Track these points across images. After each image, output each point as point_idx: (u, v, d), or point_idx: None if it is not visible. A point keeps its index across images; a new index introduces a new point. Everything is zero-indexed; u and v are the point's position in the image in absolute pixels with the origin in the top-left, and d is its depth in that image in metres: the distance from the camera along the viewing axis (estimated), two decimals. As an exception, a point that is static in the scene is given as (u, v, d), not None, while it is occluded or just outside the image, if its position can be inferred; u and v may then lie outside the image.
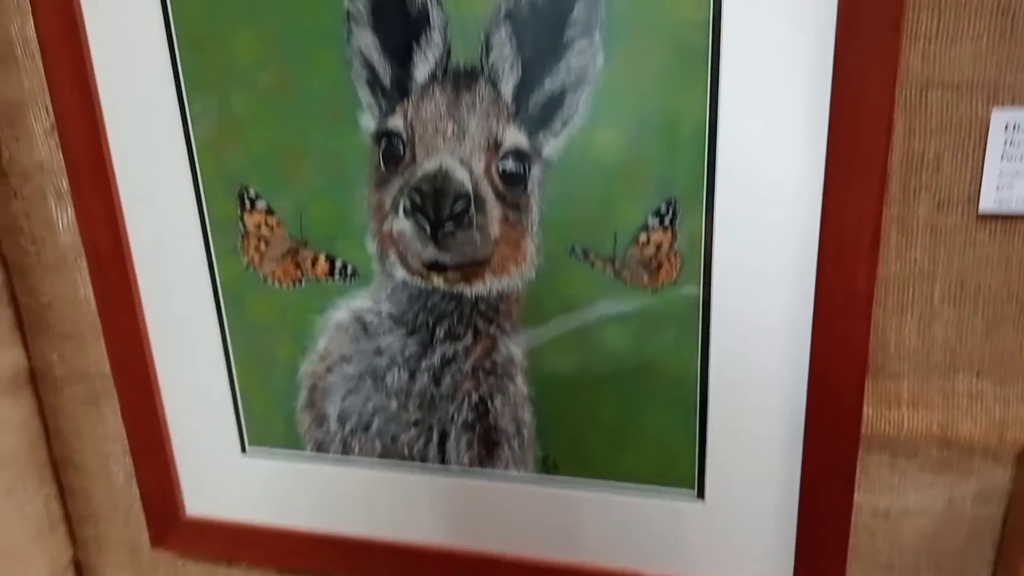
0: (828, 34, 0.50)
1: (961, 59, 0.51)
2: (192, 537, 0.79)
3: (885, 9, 0.48)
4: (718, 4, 0.51)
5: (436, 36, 0.56)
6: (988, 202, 0.53)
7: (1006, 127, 0.51)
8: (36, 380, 0.78)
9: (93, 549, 0.85)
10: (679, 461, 0.63)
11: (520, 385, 0.65)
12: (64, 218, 0.71)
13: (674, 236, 0.58)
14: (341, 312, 0.67)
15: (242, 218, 0.66)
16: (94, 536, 0.84)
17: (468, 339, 0.65)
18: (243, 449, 0.74)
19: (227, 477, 0.75)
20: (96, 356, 0.75)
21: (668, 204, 0.57)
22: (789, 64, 0.51)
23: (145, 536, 0.80)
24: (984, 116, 0.52)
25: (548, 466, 0.67)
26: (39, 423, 0.80)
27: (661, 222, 0.58)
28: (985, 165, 0.53)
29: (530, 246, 0.60)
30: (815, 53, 0.50)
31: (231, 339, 0.70)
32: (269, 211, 0.65)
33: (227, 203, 0.65)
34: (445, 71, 0.57)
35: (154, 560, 0.83)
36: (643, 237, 0.58)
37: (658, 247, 0.58)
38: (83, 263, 0.71)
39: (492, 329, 0.64)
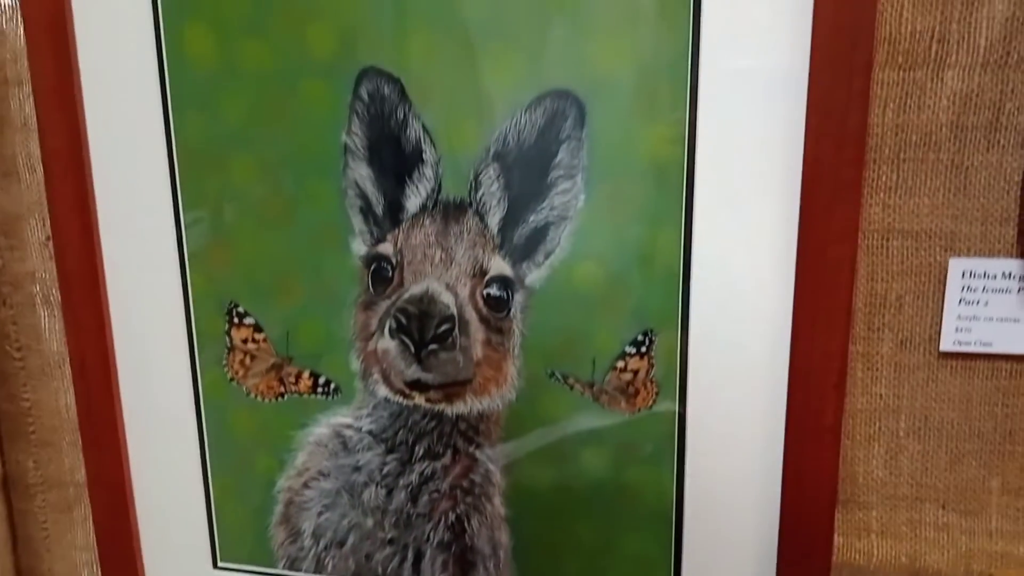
0: (795, 184, 0.53)
1: (919, 210, 0.55)
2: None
3: (847, 165, 0.52)
4: (692, 153, 0.55)
5: (428, 171, 0.59)
6: (948, 343, 0.56)
7: (963, 274, 0.55)
8: (8, 486, 0.78)
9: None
10: None
11: (497, 505, 0.66)
12: (51, 326, 0.72)
13: (651, 364, 0.60)
14: (321, 428, 0.68)
15: (229, 333, 0.67)
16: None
17: (447, 458, 0.66)
18: (215, 564, 0.73)
19: (197, 592, 0.74)
20: (72, 464, 0.75)
21: (645, 333, 0.59)
22: (758, 210, 0.55)
23: (108, 651, 0.78)
24: (942, 263, 0.55)
25: (524, 588, 0.67)
26: (7, 530, 0.78)
27: (638, 350, 0.60)
28: (944, 308, 0.56)
29: (511, 368, 0.62)
30: (783, 201, 0.54)
31: (210, 451, 0.70)
32: (257, 328, 0.66)
33: (215, 318, 0.67)
34: (435, 203, 0.60)
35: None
36: (621, 364, 0.60)
37: (635, 374, 0.60)
38: (66, 371, 0.72)
39: (471, 448, 0.65)
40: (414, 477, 0.67)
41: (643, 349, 0.60)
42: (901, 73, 0.53)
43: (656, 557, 0.63)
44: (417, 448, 0.66)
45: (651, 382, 0.60)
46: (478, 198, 0.59)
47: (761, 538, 0.60)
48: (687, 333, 0.58)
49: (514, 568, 0.66)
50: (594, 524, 0.64)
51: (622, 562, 0.64)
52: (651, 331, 0.59)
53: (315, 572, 0.70)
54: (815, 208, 0.53)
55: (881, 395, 0.59)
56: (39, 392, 0.74)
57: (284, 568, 0.71)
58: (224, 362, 0.68)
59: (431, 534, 0.67)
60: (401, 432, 0.66)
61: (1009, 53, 0.52)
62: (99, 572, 0.76)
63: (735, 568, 0.61)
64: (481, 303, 0.61)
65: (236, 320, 0.67)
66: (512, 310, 0.61)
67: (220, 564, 0.73)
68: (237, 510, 0.71)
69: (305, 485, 0.69)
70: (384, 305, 0.63)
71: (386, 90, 0.58)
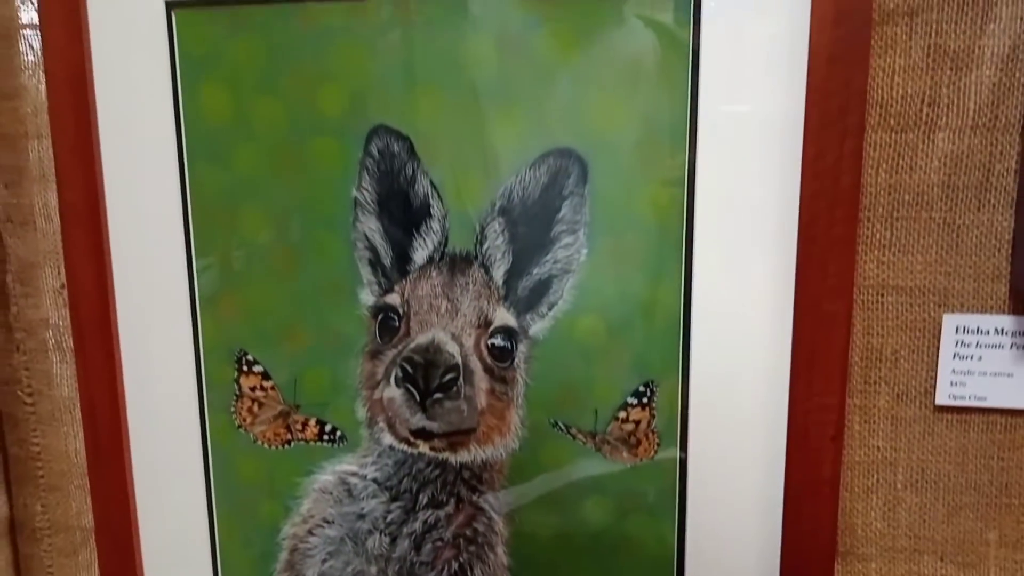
0: (791, 240, 0.55)
1: (913, 267, 0.56)
2: None
3: (841, 223, 0.53)
4: (691, 209, 0.57)
5: (436, 225, 0.61)
6: (943, 397, 0.57)
7: (956, 329, 0.56)
8: (15, 529, 0.78)
9: None
10: None
11: (500, 555, 0.66)
12: (62, 372, 0.73)
13: (652, 415, 0.61)
14: (326, 475, 0.68)
15: (238, 380, 0.68)
16: None
17: (451, 506, 0.66)
18: (219, 612, 0.73)
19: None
20: (79, 508, 0.76)
21: (646, 384, 0.60)
22: (757, 265, 0.56)
23: None
24: (936, 319, 0.56)
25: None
26: (12, 573, 0.79)
27: (640, 401, 0.61)
28: (939, 363, 0.57)
29: (515, 418, 0.63)
30: (781, 255, 0.56)
31: (216, 498, 0.71)
32: (265, 375, 0.67)
33: (225, 365, 0.68)
34: (442, 255, 0.62)
35: None
36: (623, 414, 0.61)
37: (636, 424, 0.61)
38: (76, 416, 0.73)
39: (475, 497, 0.66)
40: (418, 525, 0.67)
41: (644, 400, 0.61)
42: (893, 135, 0.55)
43: None
44: (421, 496, 0.67)
45: (652, 432, 0.61)
46: (483, 251, 0.61)
47: None
48: (688, 384, 0.60)
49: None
50: (595, 573, 0.64)
51: None
52: (652, 382, 0.60)
53: (318, 620, 0.71)
54: (811, 264, 0.54)
55: (878, 448, 0.59)
56: (48, 437, 0.75)
57: (287, 616, 0.71)
58: (232, 409, 0.69)
59: (434, 583, 0.68)
60: (405, 480, 0.67)
61: (997, 116, 0.54)
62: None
63: None
64: (485, 353, 0.62)
65: (245, 368, 0.68)
66: (516, 360, 0.62)
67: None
68: (242, 557, 0.72)
69: (310, 532, 0.70)
70: (390, 354, 0.64)
71: (396, 147, 0.60)
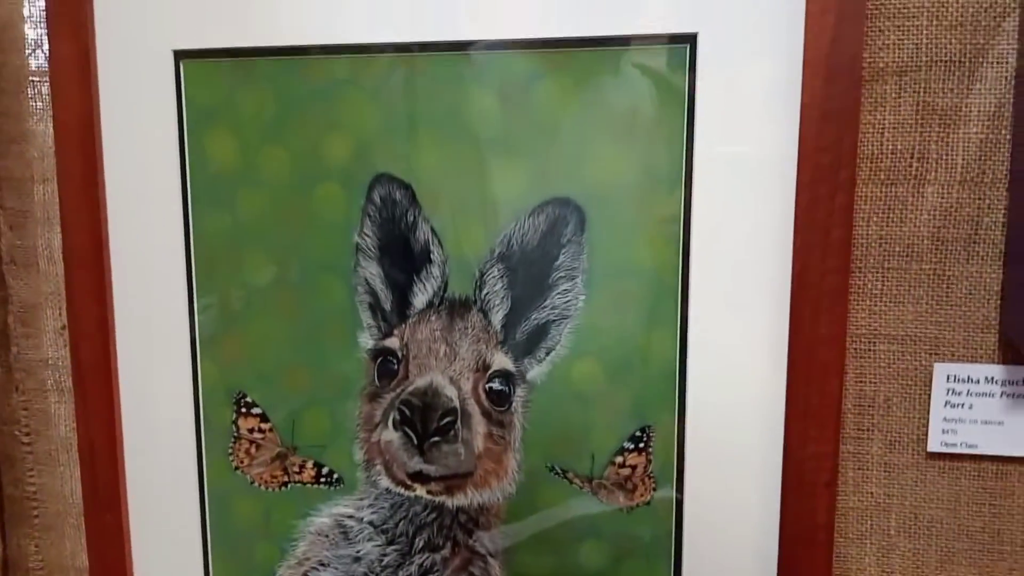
0: (785, 289, 0.56)
1: (904, 317, 0.57)
2: None
3: (833, 273, 0.55)
4: (686, 257, 0.58)
5: (436, 270, 0.62)
6: (935, 444, 0.58)
7: (947, 378, 0.57)
8: (9, 570, 0.78)
9: None
10: None
11: (497, 599, 0.66)
12: (60, 412, 0.73)
13: (648, 460, 0.62)
14: (323, 517, 0.69)
15: (236, 422, 0.69)
16: None
17: (447, 550, 0.67)
18: (212, 654, 0.73)
19: None
20: (73, 548, 0.76)
21: (643, 429, 0.61)
22: (752, 311, 0.57)
23: None
24: (927, 367, 0.58)
25: None
26: (4, 616, 0.79)
27: (636, 446, 0.62)
28: (931, 411, 0.58)
29: (512, 462, 0.64)
30: (775, 303, 0.57)
31: (212, 539, 0.71)
32: (263, 418, 0.68)
33: (223, 407, 0.69)
34: (442, 300, 0.63)
35: None
36: (619, 459, 0.62)
37: (633, 469, 0.62)
38: (73, 456, 0.73)
39: (471, 541, 0.66)
40: (414, 569, 0.67)
41: (641, 445, 0.62)
42: (883, 188, 0.56)
43: None
44: (417, 540, 0.67)
45: (649, 477, 0.62)
46: (483, 296, 0.62)
47: None
48: (684, 428, 0.60)
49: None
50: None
51: None
52: (649, 427, 0.61)
53: (312, 664, 0.70)
54: (803, 314, 0.56)
55: (872, 493, 0.60)
56: (44, 477, 0.75)
57: (281, 659, 0.71)
58: (230, 451, 0.69)
59: (430, 628, 0.68)
60: (402, 523, 0.67)
61: (984, 171, 0.55)
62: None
63: None
64: (483, 397, 0.63)
65: (244, 410, 0.68)
66: (513, 404, 0.63)
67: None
68: (236, 599, 0.72)
69: (305, 575, 0.70)
70: (389, 397, 0.65)
71: (398, 195, 0.62)
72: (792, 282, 0.56)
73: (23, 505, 0.76)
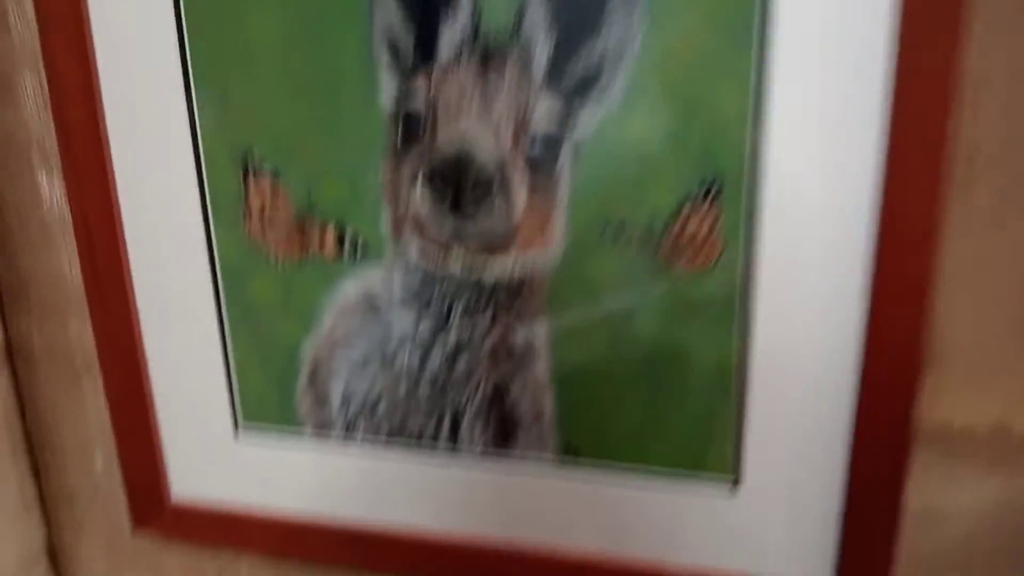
0: (885, 33, 0.48)
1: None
2: (178, 522, 0.75)
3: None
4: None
5: (464, 7, 0.53)
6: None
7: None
8: (13, 355, 0.74)
9: (69, 533, 0.81)
10: (715, 448, 0.61)
11: (541, 371, 0.63)
12: (52, 191, 0.66)
13: (717, 215, 0.55)
14: (350, 289, 0.64)
15: (245, 187, 0.62)
16: (70, 520, 0.80)
17: (487, 320, 0.62)
18: (236, 429, 0.70)
19: (218, 458, 0.72)
20: (78, 332, 0.71)
21: (711, 181, 0.55)
22: (844, 34, 0.49)
23: (126, 520, 0.77)
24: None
25: (569, 451, 0.64)
26: (14, 399, 0.75)
27: (703, 200, 0.55)
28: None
29: (557, 225, 0.58)
30: (870, 50, 0.49)
31: (228, 316, 0.67)
32: (275, 179, 0.61)
33: (229, 170, 0.62)
34: (473, 42, 0.54)
35: (135, 546, 0.80)
36: (683, 216, 0.56)
37: (699, 227, 0.56)
38: (70, 237, 0.67)
39: (512, 312, 0.62)
40: (450, 341, 0.63)
41: (708, 199, 0.55)
42: None
43: (715, 427, 0.60)
44: (453, 312, 0.62)
45: (717, 235, 0.56)
46: (521, 36, 0.53)
47: (837, 400, 0.57)
48: (760, 178, 0.54)
49: (558, 435, 0.64)
50: (646, 392, 0.61)
51: (676, 433, 0.61)
52: (719, 178, 0.54)
53: (345, 436, 0.68)
54: (913, 52, 0.48)
55: (975, 249, 0.54)
56: (41, 260, 0.69)
57: (312, 432, 0.69)
58: (241, 221, 0.63)
59: (469, 399, 0.65)
60: (437, 293, 0.62)
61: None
62: (111, 441, 0.73)
63: (806, 432, 0.58)
64: (524, 154, 0.56)
65: (253, 172, 0.61)
66: (560, 160, 0.56)
67: (242, 433, 0.70)
68: (259, 375, 0.68)
69: (333, 350, 0.66)
70: (416, 161, 0.58)
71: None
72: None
73: (21, 290, 0.71)
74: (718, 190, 0.55)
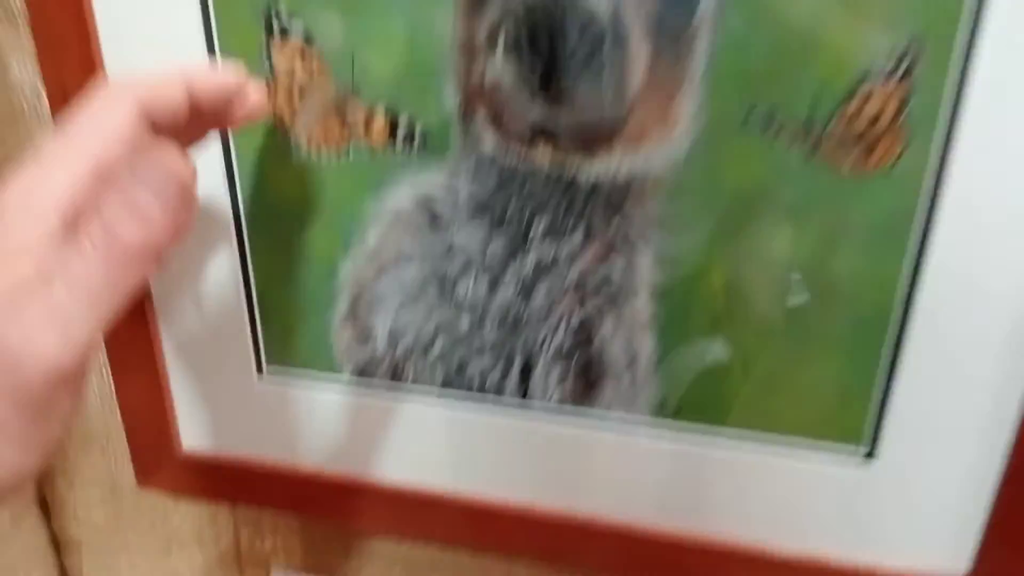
0: None
1: None
2: (188, 475, 0.62)
3: None
4: None
5: None
6: None
7: None
8: None
9: (62, 485, 0.68)
10: (850, 409, 0.47)
11: (642, 305, 0.48)
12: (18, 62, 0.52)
13: (906, 98, 0.40)
14: (403, 193, 0.49)
15: (268, 53, 0.47)
16: (63, 469, 0.68)
17: (577, 239, 0.47)
18: (259, 370, 0.57)
19: (237, 403, 0.58)
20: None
21: (905, 47, 0.39)
22: None
23: (129, 472, 0.64)
24: None
25: (666, 410, 0.50)
26: None
27: (891, 74, 0.39)
28: None
29: (686, 107, 0.42)
30: None
31: (248, 227, 0.52)
32: (307, 42, 0.46)
33: (248, 29, 0.46)
34: None
35: (138, 500, 0.67)
36: (859, 97, 0.40)
37: (879, 113, 0.40)
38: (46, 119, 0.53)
39: (614, 227, 0.46)
40: (529, 264, 0.48)
41: (898, 74, 0.39)
42: None
43: (854, 385, 0.46)
44: (536, 224, 0.47)
45: (901, 126, 0.40)
46: None
47: (1014, 374, 0.44)
48: (974, 45, 0.38)
49: (655, 387, 0.50)
50: (777, 338, 0.46)
51: (806, 392, 0.47)
52: (916, 42, 0.38)
53: (391, 381, 0.54)
54: None
55: None
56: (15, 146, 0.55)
57: (351, 375, 0.55)
58: (264, 99, 0.48)
59: (547, 339, 0.50)
60: (515, 202, 0.47)
61: None
62: (109, 380, 0.61)
63: (965, 410, 0.45)
64: (649, 4, 0.40)
65: (278, 34, 0.46)
66: (698, 13, 0.40)
67: (267, 373, 0.56)
68: (287, 304, 0.54)
69: (380, 272, 0.51)
70: (498, 11, 0.42)
71: None
72: None
73: None
74: (913, 59, 0.39)
